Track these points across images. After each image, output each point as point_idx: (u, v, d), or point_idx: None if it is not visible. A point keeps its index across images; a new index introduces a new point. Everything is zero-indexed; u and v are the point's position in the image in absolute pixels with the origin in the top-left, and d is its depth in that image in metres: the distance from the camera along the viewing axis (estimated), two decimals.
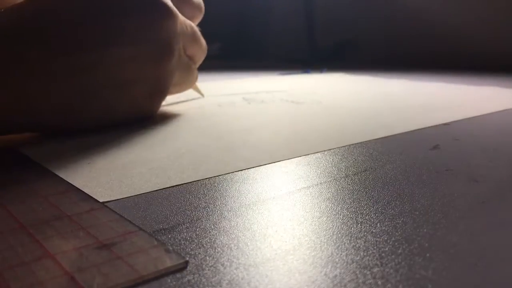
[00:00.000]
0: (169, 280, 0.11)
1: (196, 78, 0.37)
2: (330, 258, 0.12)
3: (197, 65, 0.37)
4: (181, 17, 0.32)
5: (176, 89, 0.36)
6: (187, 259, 0.12)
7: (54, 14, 0.26)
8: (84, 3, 0.27)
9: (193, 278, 0.11)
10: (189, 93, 0.48)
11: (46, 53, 0.25)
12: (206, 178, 0.19)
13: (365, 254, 0.12)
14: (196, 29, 0.35)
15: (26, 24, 0.25)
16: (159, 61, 0.30)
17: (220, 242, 0.13)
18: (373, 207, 0.15)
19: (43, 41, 0.25)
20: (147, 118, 0.32)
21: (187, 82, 0.36)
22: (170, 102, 0.41)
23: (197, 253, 0.13)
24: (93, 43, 0.26)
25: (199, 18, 0.36)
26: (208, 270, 0.12)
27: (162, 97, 0.32)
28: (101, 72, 0.27)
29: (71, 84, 0.26)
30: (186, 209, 0.16)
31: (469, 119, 0.29)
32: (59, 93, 0.26)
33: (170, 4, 0.30)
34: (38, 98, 0.26)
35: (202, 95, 0.44)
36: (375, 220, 0.14)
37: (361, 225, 0.14)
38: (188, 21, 0.33)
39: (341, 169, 0.20)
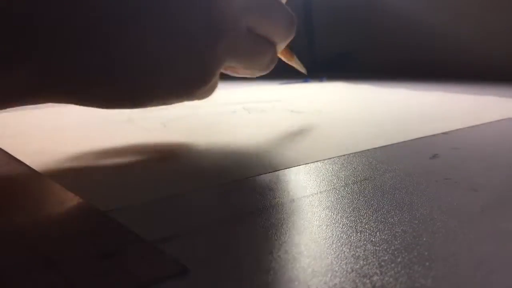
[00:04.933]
0: None
1: (273, 60, 0.29)
2: (329, 267, 0.12)
3: (281, 45, 0.29)
4: None
5: (247, 72, 0.30)
6: (188, 267, 0.12)
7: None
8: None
9: (193, 287, 0.12)
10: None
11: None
12: (206, 187, 0.20)
13: (364, 263, 0.12)
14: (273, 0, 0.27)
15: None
16: (210, 38, 0.24)
17: (220, 251, 0.13)
18: (372, 216, 0.16)
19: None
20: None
21: (257, 67, 0.29)
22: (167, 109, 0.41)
23: (197, 262, 0.13)
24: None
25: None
26: (208, 279, 0.12)
27: (202, 84, 0.26)
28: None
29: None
30: (186, 218, 0.16)
31: (468, 128, 0.29)
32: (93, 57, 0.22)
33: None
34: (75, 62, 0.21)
35: (304, 72, 0.37)
36: (374, 229, 0.14)
37: (360, 234, 0.14)
38: None
39: (341, 178, 0.20)
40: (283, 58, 0.34)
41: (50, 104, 0.23)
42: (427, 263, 0.12)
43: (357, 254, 0.13)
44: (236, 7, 0.24)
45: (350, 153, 0.24)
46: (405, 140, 0.26)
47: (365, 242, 0.14)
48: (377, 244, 0.13)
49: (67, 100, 0.23)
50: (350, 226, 0.15)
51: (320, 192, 0.18)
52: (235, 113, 0.40)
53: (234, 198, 0.18)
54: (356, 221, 0.15)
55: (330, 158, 0.23)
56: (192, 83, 0.25)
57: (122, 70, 0.23)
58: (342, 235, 0.14)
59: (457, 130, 0.28)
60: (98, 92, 0.23)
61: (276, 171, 0.21)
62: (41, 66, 0.21)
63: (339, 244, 0.14)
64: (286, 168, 0.22)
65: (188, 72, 0.25)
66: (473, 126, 0.29)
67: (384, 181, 0.19)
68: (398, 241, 0.13)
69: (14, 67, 0.20)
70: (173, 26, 0.23)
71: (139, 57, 0.23)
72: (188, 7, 0.23)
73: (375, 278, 0.11)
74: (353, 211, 0.16)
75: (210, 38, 0.24)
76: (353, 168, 0.21)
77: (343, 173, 0.21)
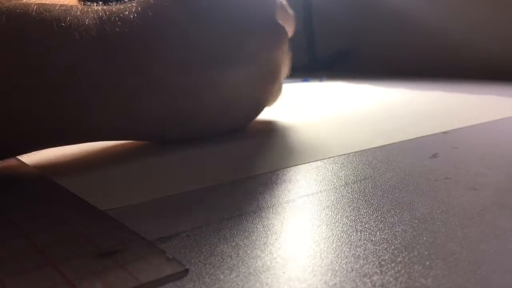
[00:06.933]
0: None
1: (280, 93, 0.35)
2: (330, 266, 0.12)
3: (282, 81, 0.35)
4: None
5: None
6: (187, 267, 0.12)
7: (177, 30, 0.25)
8: (204, 20, 0.26)
9: (193, 286, 0.12)
10: None
11: (166, 68, 0.25)
12: (206, 187, 0.20)
13: (364, 262, 0.12)
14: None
15: (148, 37, 0.24)
16: (267, 83, 0.29)
17: (220, 250, 0.13)
18: (372, 215, 0.16)
19: (165, 57, 0.25)
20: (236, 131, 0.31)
21: (275, 99, 0.34)
22: None
23: (197, 261, 0.13)
24: (210, 62, 0.26)
25: (290, 35, 0.34)
26: (208, 278, 0.12)
27: (257, 115, 0.31)
28: (214, 90, 0.27)
29: (184, 99, 0.26)
30: (186, 217, 0.16)
31: (468, 127, 0.29)
32: (169, 106, 0.26)
33: (284, 27, 0.29)
34: (148, 109, 0.25)
35: None
36: (374, 228, 0.14)
37: (360, 233, 0.14)
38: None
39: (341, 178, 0.20)
40: None
41: None
42: (427, 263, 0.12)
43: (357, 254, 0.13)
44: (285, 54, 0.30)
45: (350, 153, 0.24)
46: (405, 139, 0.26)
47: (365, 241, 0.14)
48: (377, 244, 0.13)
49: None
50: (350, 226, 0.15)
51: (320, 191, 0.18)
52: None
53: (234, 197, 0.18)
54: (356, 220, 0.15)
55: (330, 158, 0.23)
56: (251, 115, 0.30)
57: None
58: (342, 234, 0.14)
59: (457, 129, 0.28)
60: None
61: (276, 170, 0.21)
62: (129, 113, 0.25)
63: (339, 243, 0.14)
64: (286, 168, 0.22)
65: (250, 108, 0.30)
66: (473, 126, 0.29)
67: (384, 180, 0.19)
68: (398, 241, 0.13)
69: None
70: (250, 68, 0.28)
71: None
72: (259, 53, 0.28)
73: (375, 277, 0.12)
74: (353, 210, 0.16)
75: (272, 79, 0.29)
76: (353, 168, 0.21)
77: (343, 172, 0.21)
